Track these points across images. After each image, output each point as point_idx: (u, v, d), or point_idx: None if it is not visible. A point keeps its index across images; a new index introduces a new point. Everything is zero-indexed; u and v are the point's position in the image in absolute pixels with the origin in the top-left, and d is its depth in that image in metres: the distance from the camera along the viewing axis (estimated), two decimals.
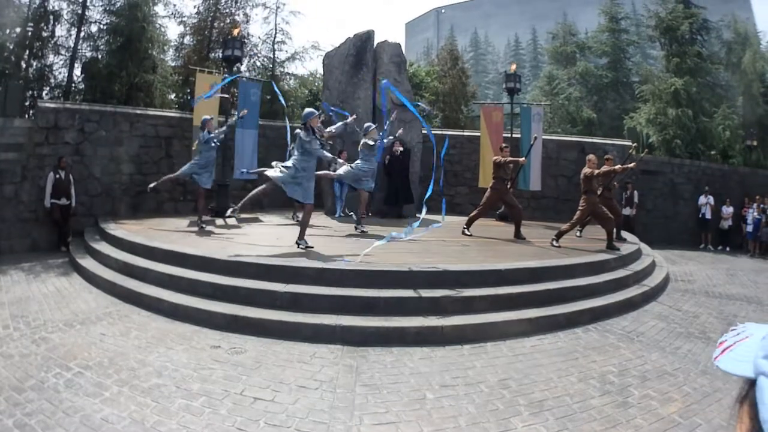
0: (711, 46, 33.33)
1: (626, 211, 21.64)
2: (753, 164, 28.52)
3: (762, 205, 23.40)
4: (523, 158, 15.26)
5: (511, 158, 15.22)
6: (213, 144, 15.53)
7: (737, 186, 25.46)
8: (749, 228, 23.78)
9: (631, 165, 16.13)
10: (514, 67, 23.63)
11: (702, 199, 24.23)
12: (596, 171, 14.10)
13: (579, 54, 39.92)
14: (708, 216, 24.14)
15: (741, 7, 56.66)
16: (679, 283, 14.59)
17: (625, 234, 16.97)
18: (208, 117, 16.03)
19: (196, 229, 14.84)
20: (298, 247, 11.82)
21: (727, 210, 24.41)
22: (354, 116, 16.43)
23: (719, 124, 29.51)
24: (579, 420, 6.00)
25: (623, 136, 31.04)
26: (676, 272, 15.99)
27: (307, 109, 12.23)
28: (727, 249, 23.90)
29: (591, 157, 14.69)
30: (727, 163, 28.84)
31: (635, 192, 22.59)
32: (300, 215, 12.84)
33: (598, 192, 14.32)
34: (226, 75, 19.57)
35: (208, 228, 15.18)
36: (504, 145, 16.15)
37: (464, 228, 15.55)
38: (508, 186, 15.39)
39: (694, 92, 29.74)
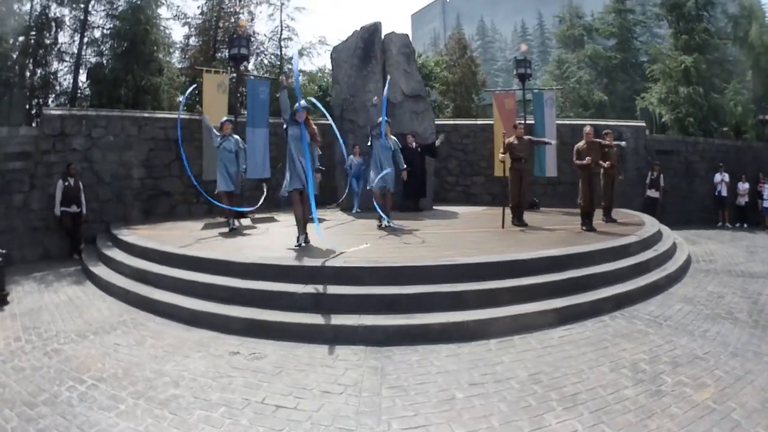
0: (717, 21, 33.05)
1: (652, 193, 21.47)
2: (767, 139, 28.26)
3: None
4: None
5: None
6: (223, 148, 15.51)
7: (752, 162, 25.36)
8: (766, 203, 23.74)
9: (620, 143, 16.84)
10: (524, 47, 23.54)
11: (717, 177, 24.15)
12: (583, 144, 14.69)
13: (587, 36, 39.79)
14: (724, 193, 24.08)
15: None
16: (701, 264, 14.44)
17: (645, 217, 16.81)
18: (225, 119, 16.00)
19: (211, 232, 14.80)
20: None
21: (743, 186, 24.32)
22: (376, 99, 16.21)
23: (731, 99, 29.29)
24: (614, 412, 5.83)
25: (636, 117, 30.91)
26: (696, 252, 15.87)
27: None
28: (745, 225, 23.85)
29: (587, 129, 15.04)
30: (741, 139, 28.69)
31: (662, 175, 22.40)
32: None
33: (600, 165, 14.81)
34: (233, 74, 19.49)
35: (221, 230, 15.05)
36: (519, 122, 16.13)
37: (513, 221, 15.43)
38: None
39: (704, 69, 29.51)
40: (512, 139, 15.46)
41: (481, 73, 40.28)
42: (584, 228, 14.36)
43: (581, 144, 14.77)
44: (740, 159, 25.43)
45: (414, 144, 18.37)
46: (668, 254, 13.47)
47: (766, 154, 25.84)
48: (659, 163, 22.48)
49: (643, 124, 25.02)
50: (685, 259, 13.73)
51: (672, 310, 9.75)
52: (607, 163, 15.47)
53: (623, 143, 17.08)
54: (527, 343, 7.92)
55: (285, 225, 15.41)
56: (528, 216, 15.88)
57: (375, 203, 14.80)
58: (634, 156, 22.72)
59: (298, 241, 11.86)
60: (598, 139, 15.13)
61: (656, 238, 14.23)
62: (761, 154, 25.80)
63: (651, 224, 15.66)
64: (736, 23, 32.28)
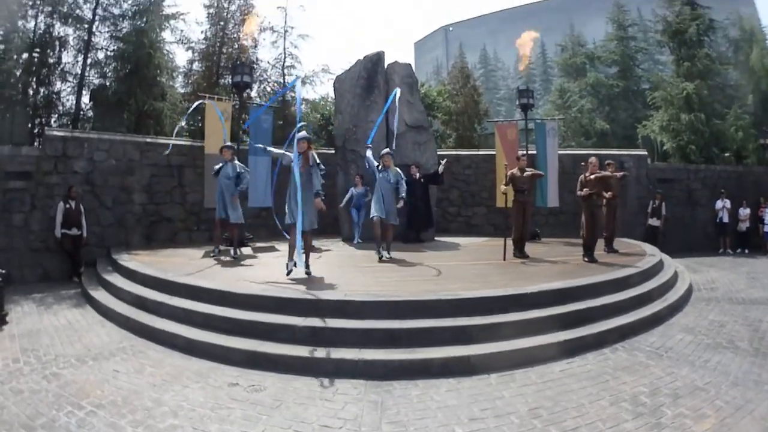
0: (718, 46, 33.25)
1: (654, 221, 21.45)
2: (767, 163, 28.31)
3: None
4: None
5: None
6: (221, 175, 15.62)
7: (753, 186, 25.44)
8: (767, 228, 23.74)
9: (620, 174, 17.01)
10: (524, 64, 23.55)
11: (719, 203, 24.19)
12: (587, 175, 14.63)
13: (589, 65, 39.83)
14: (726, 220, 24.10)
15: (744, 2, 56.63)
16: (703, 292, 14.49)
17: (646, 247, 16.81)
18: (227, 144, 16.10)
19: (212, 260, 14.90)
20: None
21: (744, 212, 24.39)
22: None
23: (732, 125, 29.31)
24: None
25: (637, 145, 30.97)
26: (698, 281, 15.93)
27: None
28: (746, 251, 23.86)
29: (592, 159, 14.97)
30: (742, 164, 28.71)
31: (663, 203, 22.40)
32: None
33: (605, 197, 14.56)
34: (236, 102, 19.58)
35: (224, 258, 15.22)
36: (522, 154, 16.06)
37: (515, 253, 15.30)
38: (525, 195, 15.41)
39: (705, 95, 29.57)
40: (515, 170, 15.36)
41: (483, 102, 40.34)
42: (586, 260, 14.37)
43: (585, 176, 14.73)
44: (741, 184, 25.48)
45: (417, 175, 18.42)
46: (669, 284, 13.49)
47: (766, 179, 25.88)
48: (662, 192, 22.50)
49: (645, 153, 25.10)
50: (687, 288, 13.77)
51: (673, 341, 9.76)
52: (609, 193, 15.50)
53: (626, 173, 17.06)
54: (528, 378, 7.90)
55: (285, 255, 15.47)
56: (530, 247, 15.85)
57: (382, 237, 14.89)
58: (636, 185, 22.78)
59: (287, 267, 12.06)
60: (600, 172, 15.07)
61: (657, 268, 14.24)
62: (762, 179, 25.85)
63: (652, 254, 15.69)
64: (737, 47, 32.46)
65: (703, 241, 24.30)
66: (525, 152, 16.91)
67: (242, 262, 14.82)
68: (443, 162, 18.50)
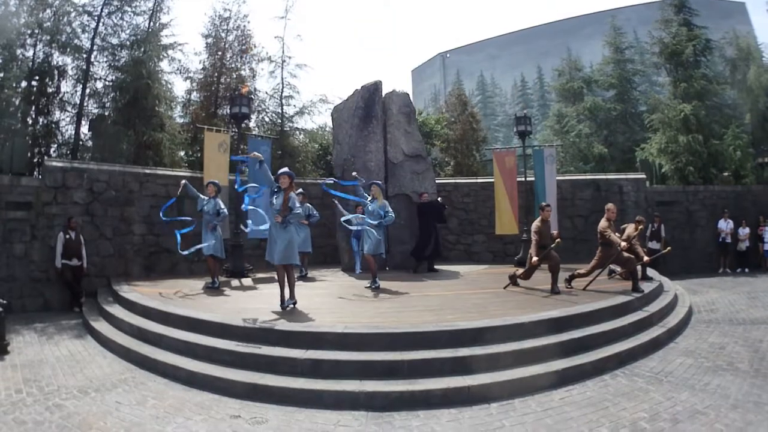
0: (715, 65, 33.27)
1: (653, 245, 21.32)
2: (765, 181, 28.38)
3: None
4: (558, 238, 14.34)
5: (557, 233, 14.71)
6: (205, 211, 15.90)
7: (751, 206, 25.53)
8: (767, 246, 23.88)
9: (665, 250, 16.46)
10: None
11: (722, 224, 24.31)
12: (620, 240, 14.09)
13: (586, 89, 39.89)
14: (728, 240, 24.22)
15: (740, 21, 57.17)
16: (703, 314, 14.56)
17: (649, 271, 16.74)
18: (213, 181, 16.30)
19: (212, 292, 15.07)
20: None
21: (744, 231, 24.48)
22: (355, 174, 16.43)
23: (730, 145, 29.24)
24: None
25: (636, 168, 30.93)
26: (698, 302, 16.01)
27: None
28: (746, 270, 23.93)
29: (610, 206, 14.54)
30: (740, 184, 28.70)
31: (662, 225, 22.40)
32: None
33: (621, 243, 14.06)
34: (234, 133, 19.71)
35: (224, 288, 15.35)
36: (545, 204, 15.47)
37: (512, 280, 15.05)
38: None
39: (703, 116, 29.55)
40: (540, 224, 14.36)
41: (481, 129, 40.36)
42: (567, 287, 14.35)
43: (607, 223, 14.08)
44: (740, 204, 25.57)
45: (426, 199, 18.51)
46: (670, 307, 13.57)
47: (765, 197, 25.95)
48: (659, 215, 22.50)
49: (644, 176, 25.11)
50: (687, 311, 13.86)
51: (673, 365, 9.80)
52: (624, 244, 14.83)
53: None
54: (528, 406, 7.93)
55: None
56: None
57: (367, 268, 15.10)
58: (635, 209, 22.74)
59: (283, 302, 12.11)
60: (633, 232, 14.94)
61: (657, 291, 14.28)
62: (761, 198, 25.91)
63: (651, 278, 15.72)
64: (735, 66, 32.45)
65: (702, 263, 24.32)
66: (548, 203, 16.18)
67: (242, 294, 14.97)
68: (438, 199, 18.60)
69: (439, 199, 18.61)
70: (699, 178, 28.26)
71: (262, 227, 12.25)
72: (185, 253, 15.58)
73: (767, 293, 17.47)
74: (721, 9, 62.23)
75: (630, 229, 15.37)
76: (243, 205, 12.46)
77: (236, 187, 14.68)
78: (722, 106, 32.21)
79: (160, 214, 16.17)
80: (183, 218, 16.29)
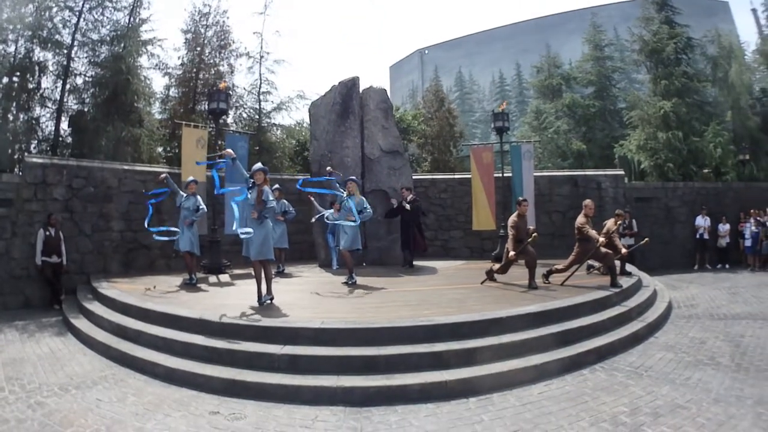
0: (696, 63, 33.38)
1: (628, 240, 21.26)
2: (746, 178, 28.71)
3: (759, 218, 23.47)
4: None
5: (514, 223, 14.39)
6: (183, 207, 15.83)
7: (732, 202, 25.72)
8: (747, 243, 23.95)
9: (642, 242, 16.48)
10: (504, 105, 23.53)
11: (699, 220, 24.47)
12: (598, 236, 14.14)
13: (565, 86, 40.00)
14: (706, 236, 24.33)
15: (723, 19, 57.32)
16: (683, 309, 14.58)
17: (628, 267, 16.71)
18: (190, 179, 16.17)
19: (190, 288, 15.01)
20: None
21: (724, 228, 24.63)
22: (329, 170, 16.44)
23: (710, 142, 29.41)
24: None
25: (614, 164, 31.11)
26: (678, 298, 16.06)
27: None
28: (727, 266, 24.11)
29: (587, 202, 14.58)
30: (721, 181, 28.90)
31: (633, 220, 22.43)
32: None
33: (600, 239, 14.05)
34: (212, 128, 19.59)
35: (201, 285, 15.30)
36: (522, 198, 15.52)
37: (489, 275, 14.96)
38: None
39: (683, 113, 29.69)
40: (517, 218, 14.37)
41: (459, 125, 40.39)
42: (544, 282, 14.36)
43: (585, 219, 14.15)
44: (720, 200, 25.77)
45: (410, 198, 18.43)
46: (648, 303, 13.58)
47: (746, 193, 26.17)
48: (629, 210, 22.38)
49: (622, 172, 25.17)
50: (666, 306, 13.84)
51: (653, 360, 9.79)
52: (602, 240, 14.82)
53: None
54: (506, 401, 7.88)
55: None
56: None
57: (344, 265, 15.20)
58: (613, 205, 22.74)
59: (260, 298, 12.07)
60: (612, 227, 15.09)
61: (636, 287, 14.30)
62: (741, 195, 26.11)
63: (632, 273, 15.73)
64: (716, 64, 32.56)
65: (682, 259, 24.48)
66: (525, 198, 16.15)
67: (220, 290, 14.94)
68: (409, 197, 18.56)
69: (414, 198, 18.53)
70: (679, 174, 28.41)
71: (248, 229, 12.11)
72: (153, 230, 15.71)
73: (748, 289, 17.56)
74: (704, 7, 62.35)
75: (610, 223, 15.40)
76: (234, 213, 12.26)
77: (215, 191, 14.68)
78: (703, 103, 32.40)
79: (146, 225, 15.95)
80: (170, 228, 16.16)
